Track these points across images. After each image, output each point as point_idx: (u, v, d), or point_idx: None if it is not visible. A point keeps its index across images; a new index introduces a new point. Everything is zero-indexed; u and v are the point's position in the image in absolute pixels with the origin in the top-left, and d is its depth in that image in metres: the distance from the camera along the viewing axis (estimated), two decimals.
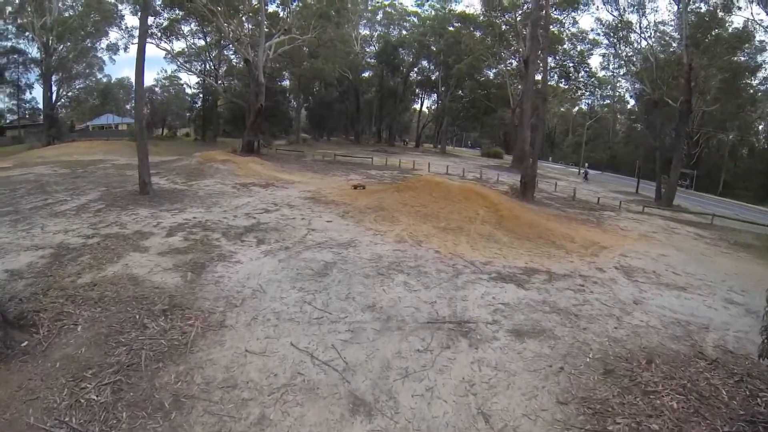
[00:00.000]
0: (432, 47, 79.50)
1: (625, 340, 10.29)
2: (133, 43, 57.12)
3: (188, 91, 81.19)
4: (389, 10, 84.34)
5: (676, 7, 43.72)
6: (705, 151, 70.40)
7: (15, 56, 63.42)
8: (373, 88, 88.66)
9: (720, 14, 41.06)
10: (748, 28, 42.44)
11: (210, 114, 74.49)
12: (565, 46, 65.67)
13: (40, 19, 54.02)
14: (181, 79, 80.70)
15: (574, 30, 64.25)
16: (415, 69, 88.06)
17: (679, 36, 43.87)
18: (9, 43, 61.76)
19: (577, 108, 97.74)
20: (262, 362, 8.71)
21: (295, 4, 56.92)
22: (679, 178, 46.72)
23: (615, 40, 53.15)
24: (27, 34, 58.16)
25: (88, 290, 11.23)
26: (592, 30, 61.20)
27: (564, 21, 62.78)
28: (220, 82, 69.62)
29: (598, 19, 63.37)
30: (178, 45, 66.79)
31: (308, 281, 12.71)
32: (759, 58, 49.79)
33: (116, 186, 26.13)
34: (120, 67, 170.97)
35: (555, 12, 57.14)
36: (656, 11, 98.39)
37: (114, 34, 63.51)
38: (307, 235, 17.39)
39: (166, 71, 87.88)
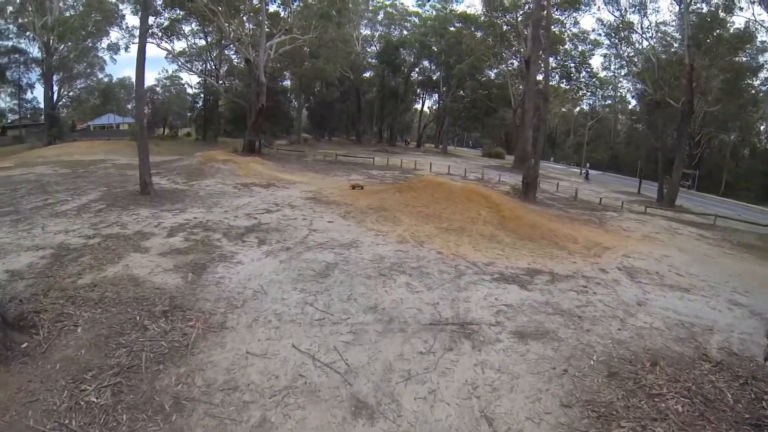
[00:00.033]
0: (433, 47, 79.45)
1: (629, 342, 10.22)
2: (133, 43, 57.09)
3: (189, 90, 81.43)
4: (390, 11, 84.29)
5: (677, 8, 43.66)
6: (707, 152, 70.36)
7: (16, 56, 63.55)
8: (375, 88, 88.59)
9: (721, 15, 41.01)
10: (750, 28, 42.41)
11: (211, 114, 74.45)
12: (566, 46, 65.64)
13: (41, 18, 54.00)
14: (182, 79, 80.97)
15: (575, 30, 64.28)
16: (417, 69, 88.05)
17: (680, 36, 43.79)
18: (10, 43, 61.92)
19: (578, 108, 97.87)
20: (264, 364, 8.64)
21: (296, 4, 56.80)
22: (681, 178, 46.61)
23: (616, 41, 53.06)
24: (28, 33, 58.19)
25: (88, 291, 11.16)
26: (593, 30, 61.17)
27: (565, 21, 62.74)
28: (221, 81, 69.62)
29: (600, 20, 63.30)
30: (179, 45, 67.02)
31: (310, 282, 12.63)
32: (760, 59, 49.76)
33: (117, 186, 26.06)
34: (121, 67, 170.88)
35: (556, 12, 57.03)
36: (657, 11, 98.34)
37: (115, 34, 63.82)
38: (309, 236, 17.31)
39: (167, 71, 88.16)
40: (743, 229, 29.47)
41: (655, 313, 12.08)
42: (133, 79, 35.77)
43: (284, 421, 7.29)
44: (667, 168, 43.92)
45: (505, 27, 63.77)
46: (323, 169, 42.24)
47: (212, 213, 20.38)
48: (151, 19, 49.54)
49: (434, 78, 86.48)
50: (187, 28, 61.81)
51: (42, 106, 64.42)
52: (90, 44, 63.32)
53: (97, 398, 7.46)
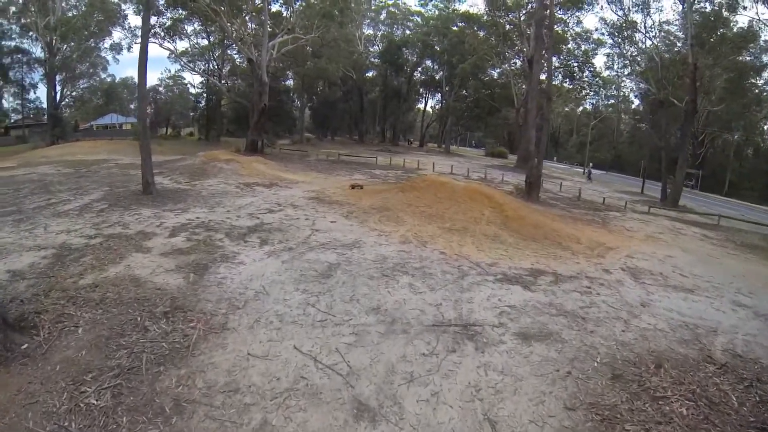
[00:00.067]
0: (436, 47, 79.45)
1: (633, 344, 10.14)
2: (136, 43, 56.92)
3: (192, 90, 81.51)
4: (393, 10, 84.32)
5: (680, 7, 43.56)
6: (710, 151, 70.18)
7: (19, 56, 63.59)
8: (377, 87, 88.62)
9: (725, 14, 40.86)
10: (753, 27, 42.23)
11: (214, 113, 74.45)
12: (569, 45, 65.50)
13: (43, 18, 54.10)
14: (184, 79, 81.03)
15: (578, 30, 64.16)
16: (419, 69, 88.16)
17: (683, 35, 43.67)
18: (13, 43, 61.91)
19: (581, 108, 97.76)
20: (265, 366, 8.58)
21: (298, 3, 56.74)
22: (685, 178, 46.47)
23: (619, 40, 52.96)
24: (31, 33, 58.32)
25: (89, 291, 11.12)
26: (596, 30, 61.16)
27: (568, 21, 62.60)
28: (223, 81, 69.56)
29: (603, 19, 63.44)
30: (182, 45, 67.02)
31: (312, 283, 12.58)
32: (764, 58, 49.47)
33: (119, 186, 26.05)
34: (124, 67, 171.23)
35: (559, 12, 56.87)
36: (661, 11, 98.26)
37: (117, 34, 63.89)
38: (311, 236, 17.26)
39: (169, 71, 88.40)
40: (747, 229, 29.33)
41: (659, 315, 11.99)
42: (136, 79, 35.81)
43: (285, 424, 7.23)
44: (670, 168, 43.80)
45: (507, 26, 63.61)
46: (326, 168, 42.21)
47: (214, 213, 20.34)
48: (153, 19, 49.88)
49: (437, 77, 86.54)
50: (189, 28, 62.00)
51: (45, 106, 64.56)
52: (92, 44, 63.38)
53: (97, 400, 7.41)
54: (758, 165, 71.69)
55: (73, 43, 58.72)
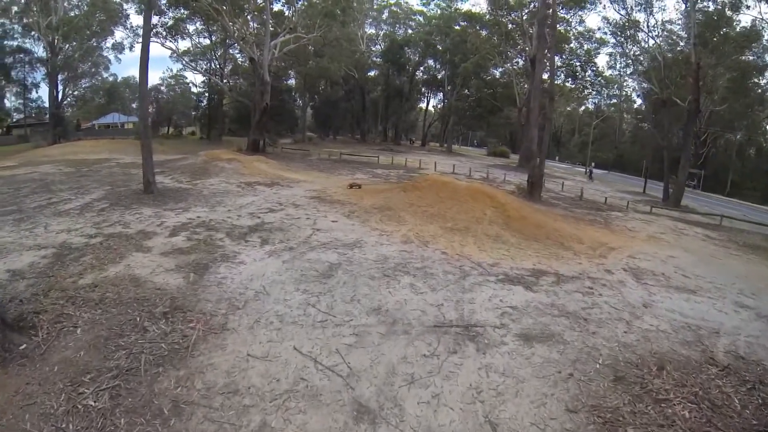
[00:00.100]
0: (438, 46, 79.47)
1: (635, 345, 10.06)
2: (138, 42, 56.84)
3: (194, 89, 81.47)
4: (395, 9, 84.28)
5: (683, 6, 43.48)
6: (712, 151, 69.96)
7: (21, 55, 63.73)
8: (379, 86, 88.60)
9: (728, 13, 40.77)
10: (757, 27, 42.14)
11: (215, 113, 74.52)
12: (571, 45, 65.40)
13: (45, 18, 54.07)
14: (186, 78, 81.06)
15: (580, 29, 64.08)
16: (421, 68, 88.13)
17: (686, 35, 43.62)
18: (15, 43, 62.04)
19: (583, 107, 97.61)
20: (265, 367, 8.52)
21: (300, 2, 56.62)
22: (687, 178, 46.36)
23: (622, 39, 52.92)
24: (33, 33, 58.31)
25: (89, 291, 11.06)
26: (599, 29, 61.17)
27: (571, 20, 62.51)
28: (225, 80, 69.61)
29: (605, 18, 62.92)
30: (184, 44, 67.08)
31: (312, 283, 12.51)
32: (767, 57, 49.39)
33: (120, 185, 26.02)
34: (126, 66, 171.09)
35: (562, 11, 56.82)
36: (664, 10, 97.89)
37: (119, 34, 63.65)
38: (312, 236, 17.20)
39: (171, 70, 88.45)
40: (749, 229, 29.27)
41: (662, 316, 11.91)
42: (138, 79, 35.78)
43: (285, 426, 7.17)
44: (672, 167, 43.72)
45: (510, 25, 63.64)
46: (327, 168, 42.16)
47: (215, 212, 20.29)
48: (155, 19, 49.90)
49: (439, 77, 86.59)
50: (191, 28, 61.95)
51: (47, 105, 64.53)
52: (94, 44, 63.38)
53: (95, 402, 7.35)
54: (760, 165, 71.60)
55: (75, 43, 58.73)
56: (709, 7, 41.43)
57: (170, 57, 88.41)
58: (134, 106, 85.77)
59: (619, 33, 52.64)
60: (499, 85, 76.17)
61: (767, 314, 12.70)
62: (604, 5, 54.51)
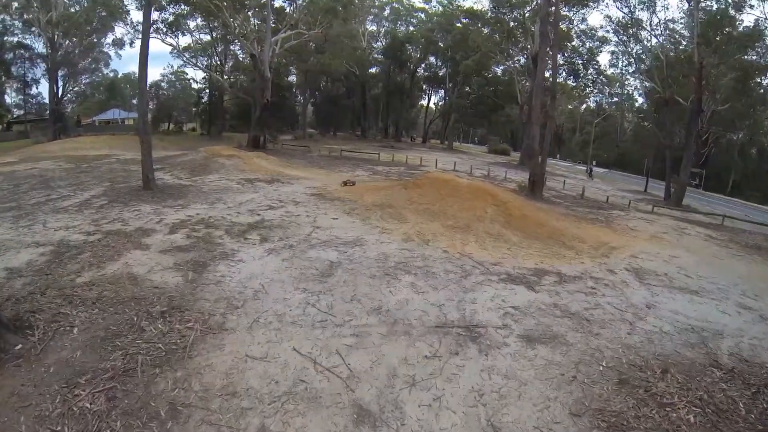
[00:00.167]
0: (439, 43, 79.55)
1: (638, 347, 9.94)
2: (138, 38, 56.59)
3: (194, 86, 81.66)
4: (396, 6, 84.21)
5: (686, 5, 43.32)
6: (714, 151, 69.73)
7: (21, 51, 63.58)
8: (380, 83, 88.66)
9: (731, 12, 40.63)
10: (760, 26, 42.00)
11: (216, 109, 74.56)
12: (573, 43, 65.20)
13: (45, 14, 54.08)
14: (187, 74, 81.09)
15: (583, 27, 63.83)
16: (423, 65, 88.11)
17: (689, 34, 43.49)
18: (15, 39, 61.93)
19: (584, 106, 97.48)
20: (263, 368, 8.37)
21: None
22: (689, 177, 46.27)
23: (625, 38, 52.77)
24: (33, 29, 58.25)
25: (86, 290, 10.92)
26: (601, 27, 60.90)
27: (573, 18, 62.29)
28: (226, 77, 69.57)
29: (608, 17, 62.86)
30: (184, 40, 66.85)
31: (312, 282, 12.39)
32: None
33: (120, 181, 25.90)
34: (126, 62, 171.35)
35: (564, 9, 56.57)
36: (667, 9, 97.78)
37: (120, 30, 63.57)
38: (312, 233, 17.09)
39: (172, 66, 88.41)
40: (751, 230, 29.17)
41: (665, 317, 11.79)
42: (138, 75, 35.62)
43: (283, 429, 7.02)
44: (674, 167, 43.64)
45: (512, 23, 63.46)
46: (328, 164, 42.07)
47: (215, 209, 20.19)
48: (155, 15, 49.80)
49: (440, 74, 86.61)
50: (192, 24, 61.90)
51: (47, 101, 64.45)
52: (95, 40, 63.41)
53: (90, 404, 7.19)
54: (762, 165, 71.51)
55: (75, 39, 58.74)
56: (712, 6, 41.36)
57: (171, 53, 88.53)
58: (135, 102, 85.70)
59: (621, 31, 52.54)
60: (501, 83, 76.14)
61: None
62: (607, 3, 54.66)
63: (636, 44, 51.69)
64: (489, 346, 9.51)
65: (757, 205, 52.71)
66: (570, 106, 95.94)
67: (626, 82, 74.20)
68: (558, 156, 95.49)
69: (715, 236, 25.08)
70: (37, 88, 71.65)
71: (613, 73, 69.87)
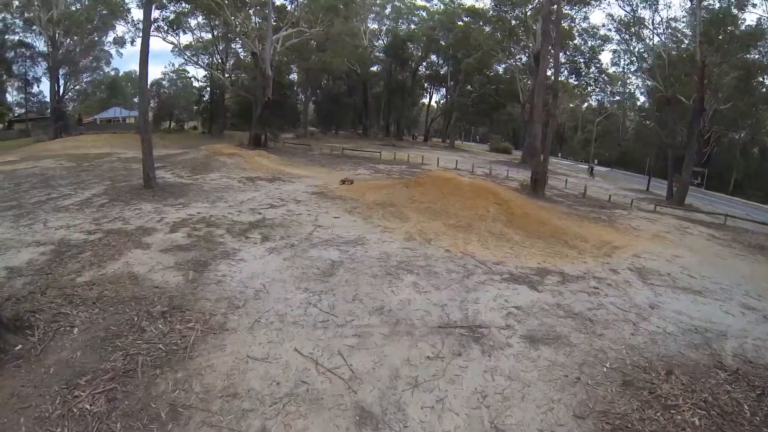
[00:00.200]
0: (441, 42, 79.48)
1: (642, 348, 9.86)
2: (139, 37, 56.66)
3: (196, 84, 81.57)
4: (398, 4, 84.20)
5: (689, 3, 43.24)
6: (716, 150, 69.57)
7: (22, 50, 63.70)
8: (382, 82, 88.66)
9: (734, 11, 40.51)
10: (762, 25, 41.86)
11: (217, 107, 74.53)
12: (575, 41, 65.06)
13: (46, 12, 54.05)
14: (188, 73, 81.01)
15: (585, 25, 63.67)
16: (424, 63, 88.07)
17: (691, 33, 43.36)
18: (16, 37, 62.09)
19: (586, 104, 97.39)
20: (264, 369, 8.30)
21: None
22: (691, 176, 46.18)
23: (627, 36, 52.67)
24: (34, 27, 58.27)
25: (86, 289, 10.86)
26: (603, 25, 60.66)
27: (575, 16, 62.15)
28: (227, 75, 69.40)
29: (610, 15, 62.65)
30: (185, 38, 66.79)
31: (314, 281, 12.32)
32: None
33: (121, 180, 25.85)
34: (127, 61, 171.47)
35: (566, 7, 56.44)
36: (669, 7, 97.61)
37: (121, 28, 63.62)
38: (314, 232, 17.03)
39: (173, 64, 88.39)
40: (753, 229, 29.06)
41: (668, 317, 11.70)
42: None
43: (285, 431, 6.98)
44: (676, 165, 43.56)
45: (513, 21, 63.34)
46: (329, 163, 42.00)
47: (216, 208, 20.13)
48: (156, 13, 49.81)
49: (442, 72, 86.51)
50: (193, 22, 61.95)
51: (48, 99, 64.49)
52: (96, 38, 63.47)
53: (90, 405, 7.13)
54: (764, 165, 71.38)
55: (76, 37, 58.73)
56: (714, 4, 41.24)
57: (172, 51, 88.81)
58: (136, 100, 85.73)
59: (623, 30, 52.44)
60: (502, 81, 76.03)
61: None
62: (609, 2, 54.72)
63: (638, 43, 51.69)
64: (492, 347, 9.43)
65: (759, 205, 52.60)
66: (572, 105, 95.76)
67: (628, 81, 74.21)
68: (560, 155, 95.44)
69: (718, 236, 25.00)
70: (38, 86, 71.97)
71: (614, 71, 69.90)
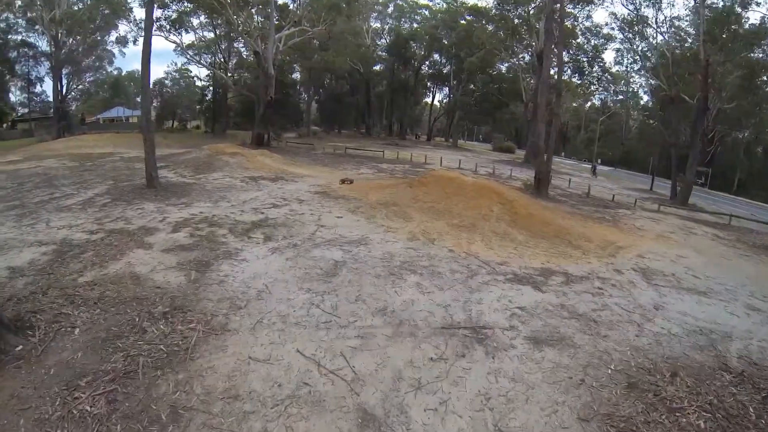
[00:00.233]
0: (443, 40, 79.41)
1: (647, 350, 9.79)
2: (142, 36, 56.79)
3: (198, 83, 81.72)
4: (400, 3, 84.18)
5: (692, 2, 43.09)
6: (719, 149, 69.33)
7: (25, 50, 63.85)
8: (384, 81, 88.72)
9: (737, 9, 40.35)
10: (765, 24, 41.65)
11: (220, 106, 74.55)
12: (578, 40, 64.90)
13: (49, 12, 54.00)
14: (191, 72, 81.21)
15: (588, 24, 63.53)
16: (427, 62, 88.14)
17: (695, 31, 43.22)
18: (19, 37, 62.23)
19: (589, 103, 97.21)
20: (266, 371, 8.24)
21: None
22: (695, 176, 46.03)
23: (630, 35, 52.52)
24: (37, 27, 58.30)
25: (88, 290, 10.81)
26: (606, 24, 60.60)
27: (578, 15, 62.00)
28: (230, 74, 69.44)
29: (613, 14, 62.69)
30: (188, 37, 66.96)
31: (316, 281, 12.25)
32: None
33: (123, 179, 25.83)
34: (130, 60, 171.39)
35: (569, 6, 56.29)
36: (672, 5, 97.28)
37: (123, 27, 63.68)
38: (317, 232, 16.96)
39: (176, 64, 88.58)
40: (758, 229, 28.92)
41: (673, 318, 11.62)
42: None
43: None
44: (680, 165, 43.44)
45: (516, 20, 63.21)
46: (332, 162, 41.96)
47: (218, 207, 20.07)
48: (158, 12, 49.75)
49: (444, 71, 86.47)
50: (195, 21, 61.80)
51: (51, 99, 64.48)
52: (98, 37, 63.54)
53: (90, 407, 7.07)
54: None
55: (78, 37, 58.75)
56: (718, 3, 41.07)
57: (174, 51, 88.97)
58: (139, 99, 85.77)
59: (627, 29, 52.29)
60: (505, 80, 75.99)
61: None
62: (612, 0, 54.26)
63: (641, 41, 51.52)
64: (496, 348, 9.36)
65: (763, 204, 52.37)
66: (575, 104, 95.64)
67: (631, 80, 74.11)
68: (563, 154, 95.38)
69: (723, 236, 24.88)
70: (41, 86, 72.03)
71: (618, 70, 69.78)
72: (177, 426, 6.88)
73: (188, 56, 65.87)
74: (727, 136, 66.56)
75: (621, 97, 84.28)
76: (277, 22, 50.66)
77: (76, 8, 57.82)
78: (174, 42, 58.95)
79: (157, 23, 51.17)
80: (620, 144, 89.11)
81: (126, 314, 9.72)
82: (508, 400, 7.88)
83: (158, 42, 66.86)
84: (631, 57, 60.29)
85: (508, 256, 15.66)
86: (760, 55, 45.02)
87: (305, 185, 26.57)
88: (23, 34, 61.61)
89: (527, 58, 68.48)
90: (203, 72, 78.78)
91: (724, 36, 40.39)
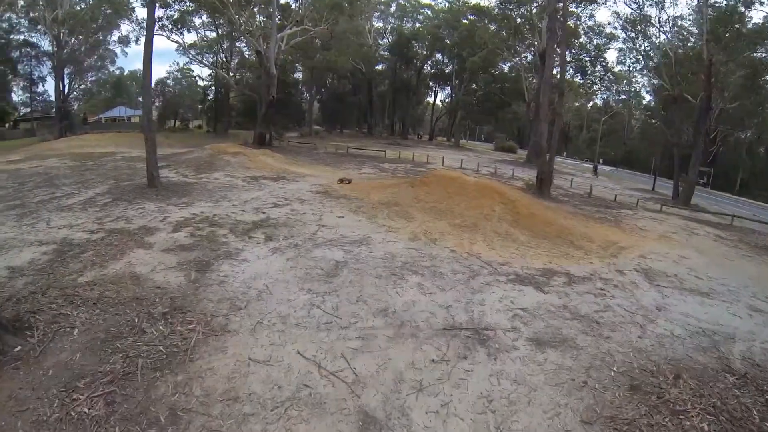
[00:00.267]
0: (446, 40, 79.36)
1: (650, 351, 9.71)
2: (144, 36, 56.88)
3: (200, 83, 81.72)
4: (403, 3, 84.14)
5: (695, 1, 42.96)
6: (722, 149, 69.14)
7: (27, 49, 63.91)
8: (387, 80, 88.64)
9: (741, 9, 40.24)
10: None
11: (222, 106, 74.53)
12: (581, 39, 64.76)
13: (51, 12, 53.99)
14: (193, 71, 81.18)
15: (590, 23, 63.36)
16: (429, 62, 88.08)
17: (697, 31, 43.10)
18: (21, 37, 62.30)
19: (591, 103, 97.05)
20: (266, 372, 8.18)
21: None
22: (697, 176, 45.90)
23: (633, 34, 52.36)
24: (39, 27, 58.36)
25: (87, 290, 10.76)
26: (609, 23, 60.43)
27: (581, 14, 61.87)
28: (232, 74, 69.42)
29: (616, 13, 62.31)
30: (190, 37, 66.94)
31: (317, 282, 12.19)
32: None
33: (125, 179, 25.80)
34: (132, 60, 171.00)
35: (572, 5, 56.16)
36: (675, 5, 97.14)
37: (125, 27, 63.66)
38: (318, 232, 16.90)
39: (178, 63, 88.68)
40: (760, 230, 28.80)
41: (676, 320, 11.54)
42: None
43: None
44: (682, 165, 43.33)
45: (519, 20, 63.12)
46: (334, 162, 41.92)
47: (219, 207, 20.02)
48: (160, 12, 49.76)
49: (447, 71, 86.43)
50: (197, 21, 61.69)
51: (53, 99, 64.49)
52: (100, 37, 63.58)
53: (89, 409, 7.02)
54: None
55: (81, 37, 58.77)
56: (721, 2, 40.95)
57: (176, 50, 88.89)
58: (141, 99, 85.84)
59: (629, 28, 52.12)
60: (507, 80, 75.92)
61: None
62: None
63: (644, 41, 51.36)
64: (498, 350, 9.30)
65: (765, 205, 52.24)
66: (577, 104, 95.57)
67: (634, 80, 73.72)
68: (565, 154, 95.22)
69: (725, 236, 24.77)
70: (43, 86, 72.16)
71: (620, 70, 69.45)
72: (176, 428, 6.83)
73: (190, 56, 65.90)
74: (730, 136, 66.34)
75: (623, 96, 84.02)
76: (279, 22, 50.65)
77: (78, 8, 57.79)
78: (176, 41, 59.04)
79: (159, 23, 51.19)
80: (622, 144, 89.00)
81: (125, 315, 9.67)
82: (510, 402, 7.82)
83: (160, 42, 67.10)
84: (633, 56, 60.00)
85: (510, 257, 15.59)
86: (763, 55, 44.89)
87: (307, 185, 26.51)
88: (26, 33, 61.83)
89: (530, 57, 68.42)
90: (205, 72, 78.73)
91: (727, 35, 40.27)
